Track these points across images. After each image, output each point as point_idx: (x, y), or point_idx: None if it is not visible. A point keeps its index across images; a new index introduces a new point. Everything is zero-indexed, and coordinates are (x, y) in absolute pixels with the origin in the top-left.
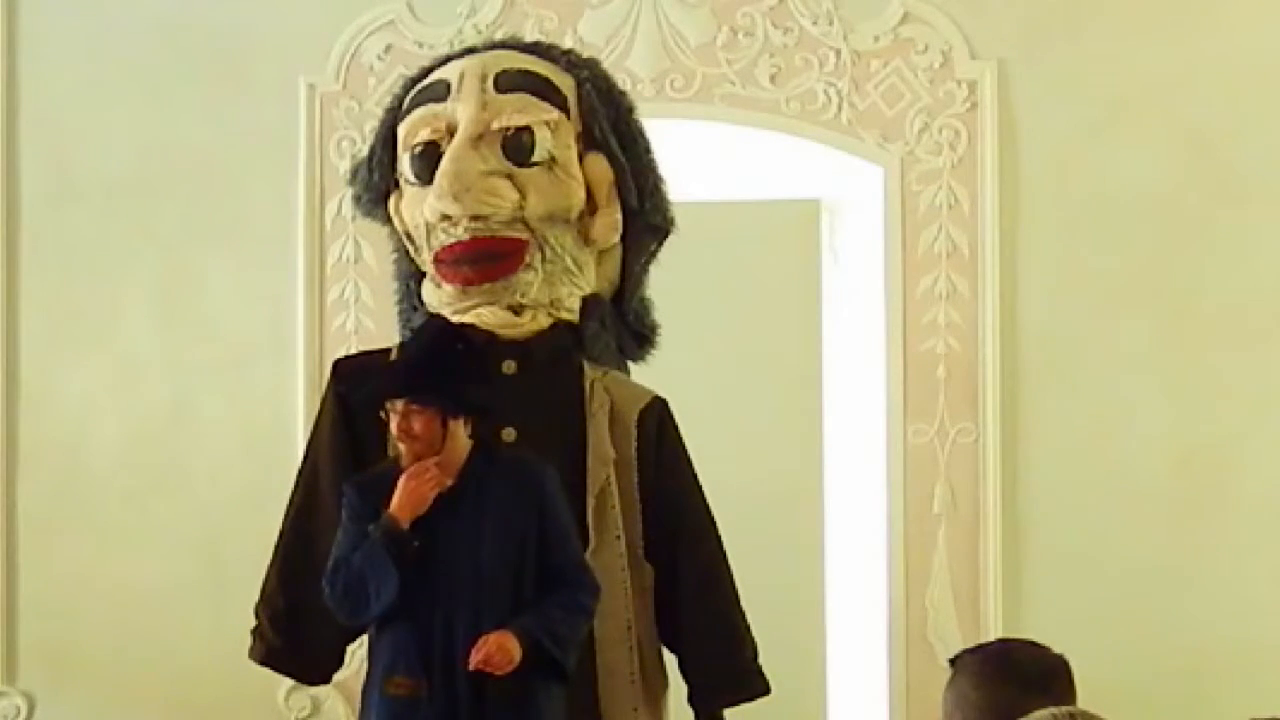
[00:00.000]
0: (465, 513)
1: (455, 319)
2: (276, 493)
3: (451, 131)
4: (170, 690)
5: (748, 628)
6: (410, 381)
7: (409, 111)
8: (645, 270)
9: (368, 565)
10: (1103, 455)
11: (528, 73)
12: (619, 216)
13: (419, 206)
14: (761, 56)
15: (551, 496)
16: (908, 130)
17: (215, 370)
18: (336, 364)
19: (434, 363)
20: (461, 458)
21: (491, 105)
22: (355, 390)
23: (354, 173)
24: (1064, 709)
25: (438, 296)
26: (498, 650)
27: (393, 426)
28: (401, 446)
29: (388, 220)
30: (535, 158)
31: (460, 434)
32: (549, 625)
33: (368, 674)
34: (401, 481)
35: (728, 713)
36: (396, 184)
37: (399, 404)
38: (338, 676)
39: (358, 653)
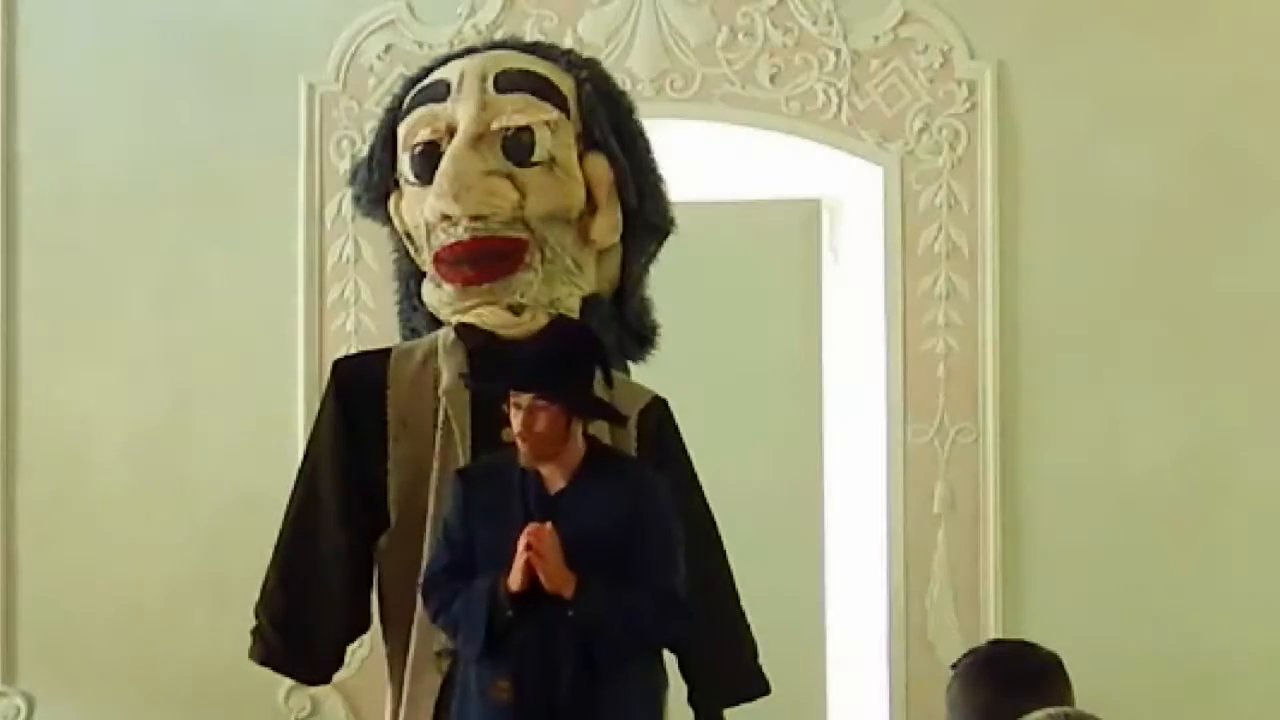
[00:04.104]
0: (566, 519)
1: (455, 319)
2: (276, 493)
3: (451, 131)
4: (170, 690)
5: (748, 628)
6: (540, 377)
7: (409, 111)
8: (645, 270)
9: (463, 617)
10: (1103, 455)
11: (528, 73)
12: (619, 216)
13: (419, 206)
14: (761, 56)
15: (655, 514)
16: (907, 130)
17: (215, 370)
18: (336, 364)
19: (563, 362)
20: (577, 461)
21: (491, 105)
22: (477, 378)
23: (354, 173)
24: (1059, 709)
25: (438, 296)
26: (552, 558)
27: (515, 422)
28: (521, 445)
29: (388, 220)
30: (535, 158)
31: (579, 437)
32: (615, 602)
33: (460, 669)
34: (521, 548)
35: (727, 713)
36: (396, 184)
37: (525, 398)
38: (338, 676)
39: (358, 652)
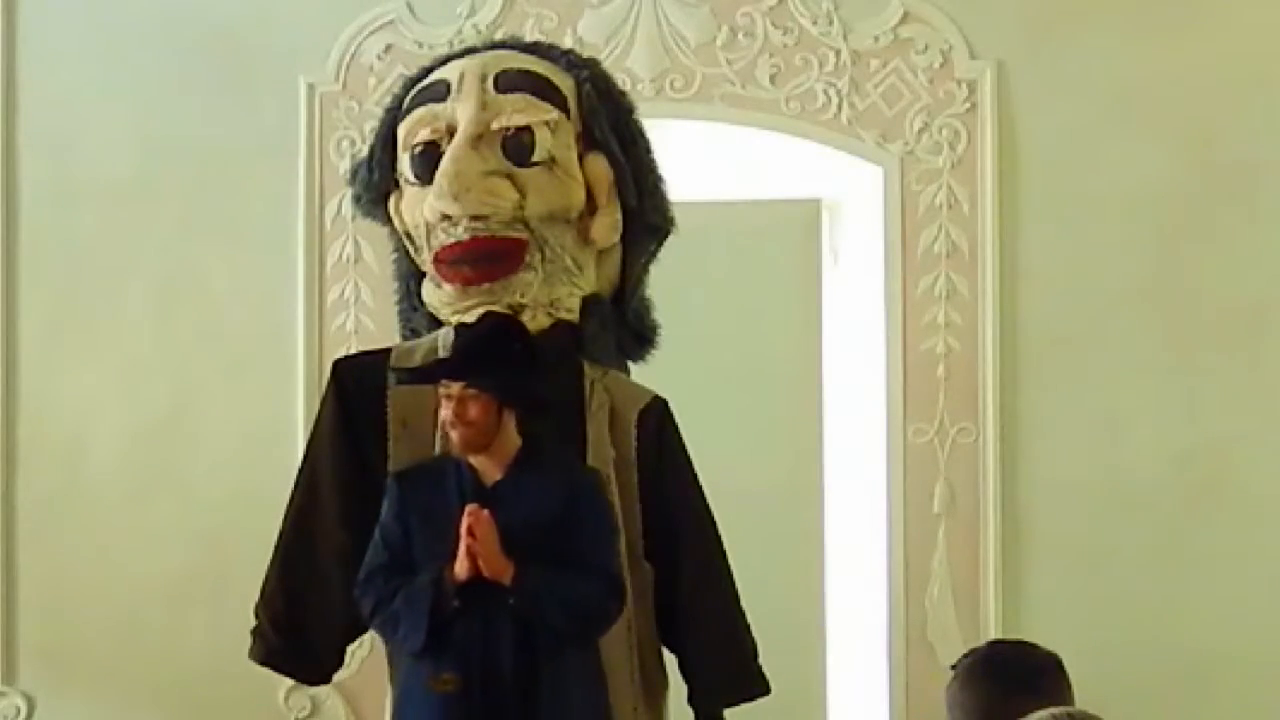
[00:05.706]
0: (505, 510)
1: (455, 319)
2: (276, 493)
3: (451, 131)
4: (170, 690)
5: (748, 628)
6: (469, 367)
7: (409, 111)
8: (645, 270)
9: (404, 609)
10: (1102, 455)
11: (528, 73)
12: (619, 216)
13: (419, 206)
14: (761, 56)
15: (591, 503)
16: (907, 130)
17: (215, 370)
18: (336, 364)
19: (492, 353)
20: (511, 452)
21: (491, 105)
22: (406, 371)
23: (354, 173)
24: (1062, 709)
25: (438, 296)
26: (489, 543)
27: (445, 412)
28: (453, 434)
29: (388, 220)
30: (535, 158)
31: (512, 428)
32: (554, 588)
33: (400, 670)
34: (464, 535)
35: (728, 713)
36: (396, 184)
37: (455, 388)
38: (338, 676)
39: (358, 653)
